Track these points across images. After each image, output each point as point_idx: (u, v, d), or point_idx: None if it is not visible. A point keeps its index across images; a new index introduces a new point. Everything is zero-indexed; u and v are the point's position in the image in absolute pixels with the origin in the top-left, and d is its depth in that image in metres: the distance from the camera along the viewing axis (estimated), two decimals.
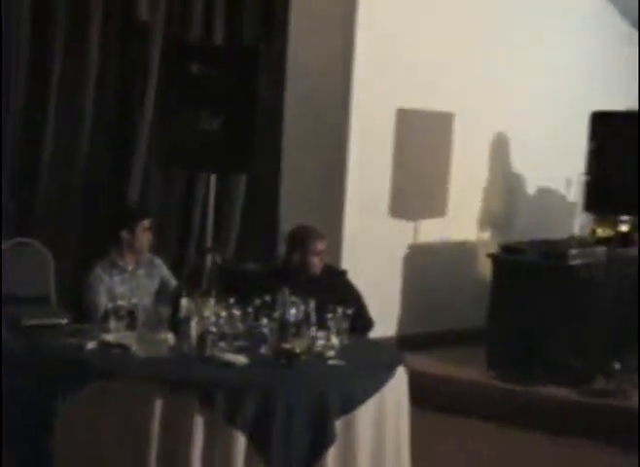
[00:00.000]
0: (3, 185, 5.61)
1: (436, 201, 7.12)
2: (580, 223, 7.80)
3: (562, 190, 7.81)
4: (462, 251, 7.30)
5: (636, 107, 7.57)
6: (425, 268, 7.01)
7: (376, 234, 6.68)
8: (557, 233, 7.09)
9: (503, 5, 7.30)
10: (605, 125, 6.27)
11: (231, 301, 4.10)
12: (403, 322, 6.97)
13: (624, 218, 6.90)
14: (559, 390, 6.01)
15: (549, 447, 5.52)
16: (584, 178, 6.66)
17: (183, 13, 6.37)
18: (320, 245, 4.93)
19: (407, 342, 6.56)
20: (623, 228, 6.93)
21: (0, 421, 3.59)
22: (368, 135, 6.60)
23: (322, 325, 4.07)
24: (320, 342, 3.99)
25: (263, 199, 6.78)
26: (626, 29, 8.32)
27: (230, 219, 6.60)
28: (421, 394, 5.40)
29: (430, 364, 6.46)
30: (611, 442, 5.53)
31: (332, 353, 3.93)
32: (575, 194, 7.51)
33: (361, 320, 4.78)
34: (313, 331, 4.02)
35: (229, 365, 3.72)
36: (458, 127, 7.11)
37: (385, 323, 6.50)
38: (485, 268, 6.73)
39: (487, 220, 7.49)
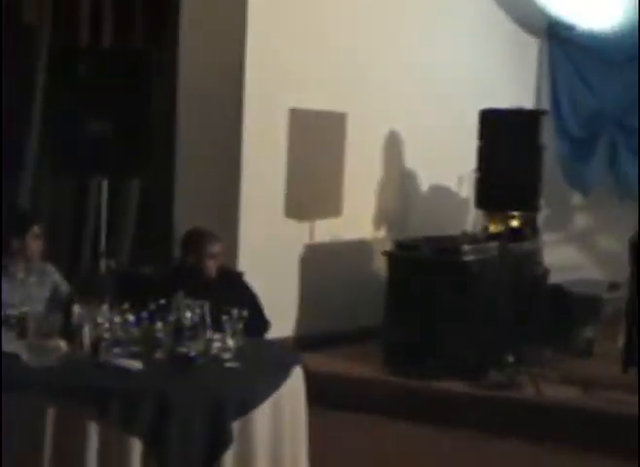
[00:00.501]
0: None
1: (331, 201, 7.15)
2: (472, 219, 7.94)
3: (455, 187, 7.94)
4: (358, 250, 7.36)
5: (524, 105, 7.77)
6: (321, 267, 7.04)
7: (272, 236, 6.69)
8: (451, 230, 7.21)
9: (392, 5, 7.38)
10: (493, 123, 6.39)
11: (126, 306, 4.06)
12: (300, 322, 6.99)
13: (515, 213, 7.06)
14: (454, 384, 6.12)
15: (444, 440, 5.61)
16: (474, 175, 6.78)
17: (70, 16, 6.28)
18: (215, 248, 4.92)
19: (304, 342, 6.60)
20: (514, 223, 7.09)
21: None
22: (261, 137, 6.60)
23: (218, 328, 4.06)
24: (216, 345, 3.98)
25: (157, 203, 6.72)
26: (512, 28, 8.50)
27: (124, 223, 6.53)
28: (319, 393, 5.44)
29: (327, 363, 6.50)
30: (505, 433, 5.66)
31: (228, 355, 3.92)
32: (467, 191, 7.63)
33: (257, 322, 4.79)
34: (209, 334, 4.01)
35: (123, 371, 3.68)
36: (351, 127, 7.16)
37: (283, 324, 6.54)
38: (382, 266, 6.82)
39: (382, 218, 7.57)
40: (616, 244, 7.35)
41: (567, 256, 8.45)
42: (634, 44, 8.01)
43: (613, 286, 7.35)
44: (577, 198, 8.79)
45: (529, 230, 7.28)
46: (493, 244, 6.74)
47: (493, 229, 7.11)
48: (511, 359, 6.20)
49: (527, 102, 8.38)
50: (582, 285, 7.43)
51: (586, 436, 5.58)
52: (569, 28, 8.19)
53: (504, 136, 6.38)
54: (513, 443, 5.57)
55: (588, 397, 5.99)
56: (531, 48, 8.70)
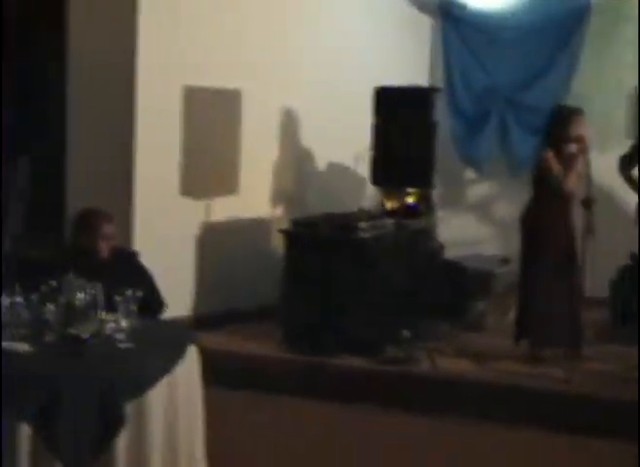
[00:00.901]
0: None
1: (227, 179, 7.11)
2: (369, 197, 7.99)
3: (352, 164, 7.98)
4: (255, 228, 7.35)
5: (419, 83, 7.85)
6: (219, 246, 7.01)
7: (168, 214, 6.62)
8: (349, 208, 7.25)
9: None
10: (387, 101, 6.45)
11: (15, 288, 3.98)
12: (198, 301, 6.96)
13: (410, 190, 7.14)
14: (353, 360, 6.18)
15: (344, 416, 5.66)
16: (370, 153, 6.83)
17: None
18: (108, 228, 4.85)
19: (203, 322, 6.58)
20: (410, 199, 7.17)
21: None
22: (155, 115, 6.51)
23: (112, 309, 4.01)
24: (109, 326, 3.94)
25: (48, 183, 6.60)
26: (405, 6, 8.56)
27: (14, 204, 6.39)
28: (218, 372, 5.44)
29: (227, 342, 6.50)
30: (403, 407, 5.74)
31: (121, 336, 3.88)
32: (364, 168, 7.67)
33: (152, 302, 4.75)
34: (102, 315, 3.96)
35: (12, 354, 3.61)
36: (246, 104, 7.12)
37: (181, 303, 6.51)
38: (279, 244, 6.82)
39: (279, 197, 7.56)
40: (508, 219, 7.47)
41: (462, 231, 8.58)
42: (524, 22, 8.17)
43: (504, 260, 7.51)
44: (470, 174, 8.92)
45: (424, 206, 7.37)
46: (389, 221, 6.81)
47: (389, 206, 7.18)
48: (407, 334, 6.29)
49: (421, 80, 8.44)
50: (475, 260, 7.55)
51: (482, 407, 5.70)
52: (460, 7, 8.28)
53: (397, 114, 6.44)
54: (410, 416, 5.65)
55: (482, 369, 6.12)
56: (424, 26, 8.77)
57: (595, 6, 8.25)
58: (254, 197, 7.28)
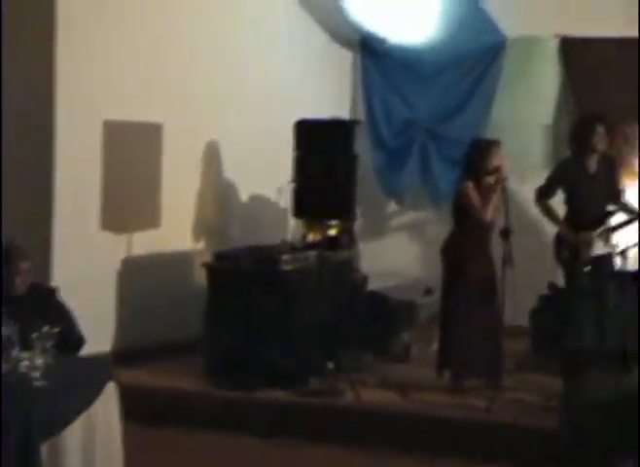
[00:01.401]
0: None
1: (148, 213, 7.06)
2: (292, 229, 8.00)
3: (274, 197, 7.99)
4: (178, 262, 7.29)
5: (341, 115, 7.92)
6: (140, 281, 6.94)
7: (89, 249, 6.54)
8: (271, 240, 7.25)
9: (207, 20, 7.38)
10: (308, 133, 6.47)
11: None
12: (119, 336, 6.86)
13: (332, 222, 7.18)
14: (276, 393, 6.15)
15: (269, 450, 5.63)
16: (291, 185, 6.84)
17: None
18: (23, 265, 4.76)
19: (124, 357, 6.48)
20: (332, 232, 7.20)
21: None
22: (75, 149, 6.45)
23: (29, 346, 3.94)
24: (24, 364, 3.86)
25: None
26: (327, 41, 8.64)
27: None
28: (140, 409, 5.38)
29: (148, 377, 6.42)
30: (327, 439, 5.73)
31: (37, 374, 3.81)
32: (286, 200, 7.69)
33: (71, 338, 4.67)
34: (16, 353, 3.88)
35: None
36: (167, 138, 7.10)
37: (101, 338, 6.42)
38: (202, 277, 6.78)
39: (201, 230, 7.53)
40: (431, 249, 7.53)
41: (385, 262, 8.63)
42: (443, 56, 8.30)
43: (428, 291, 7.55)
44: (393, 206, 8.99)
45: (347, 238, 7.41)
46: (311, 253, 6.82)
47: (312, 238, 7.20)
48: (331, 366, 6.29)
49: (344, 113, 8.54)
50: (398, 291, 7.61)
51: (405, 438, 5.72)
52: (380, 41, 8.38)
53: (319, 146, 6.47)
54: (336, 448, 5.64)
55: (406, 400, 6.14)
56: (346, 60, 8.86)
57: (510, 41, 8.44)
58: (176, 231, 7.24)
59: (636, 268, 6.83)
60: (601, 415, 4.31)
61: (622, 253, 6.33)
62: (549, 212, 7.08)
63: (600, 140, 6.91)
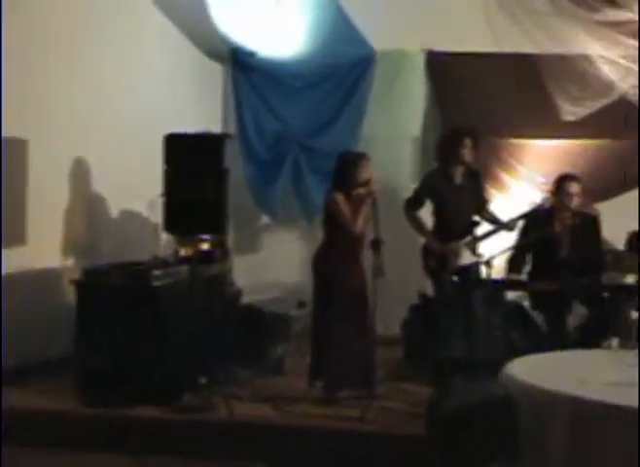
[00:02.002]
0: None
1: (14, 230, 6.89)
2: (164, 244, 7.93)
3: (145, 212, 7.91)
4: (46, 280, 7.13)
5: (212, 129, 7.90)
6: (8, 299, 6.75)
7: None
8: (143, 256, 7.16)
9: (77, 35, 7.27)
10: (178, 148, 6.42)
11: None
12: None
13: (205, 237, 7.14)
14: (149, 410, 6.07)
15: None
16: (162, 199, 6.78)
17: None
18: None
19: None
20: (204, 246, 7.17)
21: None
22: None
23: None
24: None
25: None
26: (196, 55, 8.62)
27: None
28: (11, 431, 5.25)
29: (19, 398, 6.25)
30: (203, 455, 5.69)
31: None
32: (157, 215, 7.62)
33: None
34: None
35: None
36: (33, 154, 6.95)
37: None
38: (72, 294, 6.65)
39: (70, 246, 7.39)
40: (304, 262, 7.56)
41: (259, 276, 8.65)
42: (313, 69, 8.38)
43: (301, 303, 7.61)
44: (267, 219, 9.01)
45: (220, 252, 7.38)
46: (183, 268, 6.78)
47: (184, 252, 7.14)
48: (204, 381, 6.25)
49: (215, 127, 8.52)
50: (273, 304, 7.63)
51: (280, 451, 5.72)
52: (250, 54, 8.39)
53: (188, 160, 6.43)
54: (210, 463, 5.61)
55: (279, 413, 6.15)
56: (217, 74, 8.86)
57: (379, 55, 8.59)
58: (43, 248, 7.08)
59: (501, 276, 7.03)
60: (465, 423, 4.40)
61: (488, 262, 6.49)
62: (416, 223, 7.24)
63: (467, 153, 7.12)
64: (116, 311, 6.30)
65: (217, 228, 6.55)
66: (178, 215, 6.43)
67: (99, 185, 7.61)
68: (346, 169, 6.44)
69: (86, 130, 7.30)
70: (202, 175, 6.37)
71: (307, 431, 5.85)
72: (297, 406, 6.24)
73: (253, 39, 8.26)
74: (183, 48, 8.47)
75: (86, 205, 7.57)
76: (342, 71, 8.57)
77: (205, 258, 7.07)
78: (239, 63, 8.50)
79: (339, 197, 6.39)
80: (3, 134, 6.58)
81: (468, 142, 7.13)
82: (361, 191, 6.40)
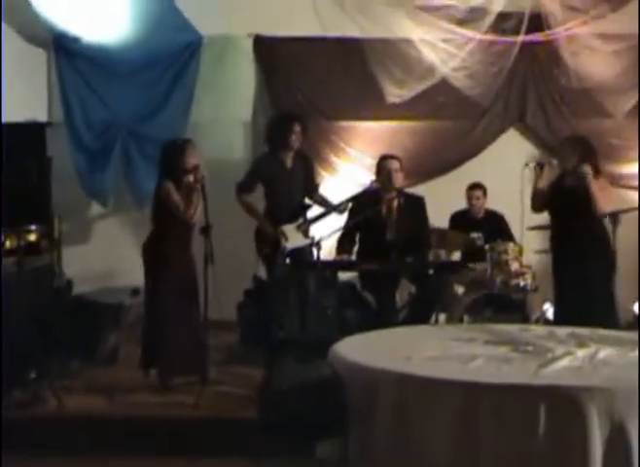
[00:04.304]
0: None
1: None
2: None
3: None
4: None
5: (38, 118, 7.71)
6: None
7: None
8: None
9: None
10: (7, 137, 6.25)
11: None
12: None
13: (31, 227, 6.96)
14: None
15: None
16: None
17: None
18: None
19: None
20: (30, 237, 6.99)
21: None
22: None
23: None
24: None
25: None
26: (18, 40, 8.36)
27: None
28: None
29: None
30: (38, 452, 5.54)
31: None
32: None
33: None
34: None
35: None
36: None
37: None
38: None
39: None
40: (137, 250, 7.47)
41: (91, 265, 8.49)
42: (139, 55, 8.26)
43: (135, 291, 7.52)
44: (98, 208, 8.85)
45: (47, 243, 7.21)
46: (10, 260, 6.58)
47: (9, 244, 6.94)
48: (33, 375, 6.11)
49: (41, 115, 8.29)
50: (105, 293, 7.52)
51: (116, 442, 5.63)
52: (74, 40, 8.21)
53: (10, 150, 6.27)
54: (42, 461, 5.47)
55: (113, 404, 6.08)
56: (41, 61, 8.60)
57: (206, 40, 8.55)
58: None
59: (332, 257, 7.15)
60: (293, 403, 4.47)
61: (318, 244, 6.58)
62: (248, 207, 7.28)
63: (295, 139, 7.20)
64: None
65: (43, 218, 6.43)
66: (2, 206, 6.26)
67: None
68: (172, 157, 6.41)
69: None
70: (24, 165, 6.23)
71: (141, 420, 5.80)
72: (131, 395, 6.18)
73: (76, 24, 8.09)
74: (4, 34, 8.18)
75: None
76: (169, 57, 8.47)
77: (32, 249, 6.90)
78: (63, 49, 8.32)
79: (169, 185, 6.35)
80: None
81: (296, 127, 7.21)
82: (190, 177, 6.37)
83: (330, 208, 7.33)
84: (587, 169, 6.53)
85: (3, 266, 6.47)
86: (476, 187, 8.08)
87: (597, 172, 6.66)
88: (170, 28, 8.32)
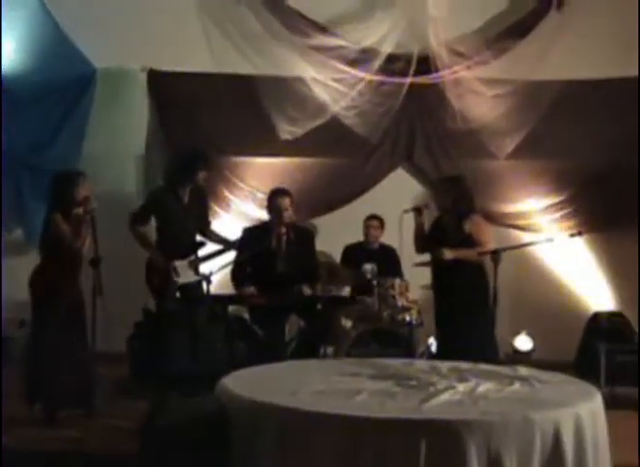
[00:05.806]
0: None
1: None
2: None
3: None
4: None
5: None
6: None
7: None
8: None
9: None
10: None
11: None
12: None
13: None
14: None
15: None
16: None
17: None
18: None
19: None
20: None
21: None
22: None
23: None
24: None
25: None
26: None
27: None
28: None
29: None
30: None
31: None
32: None
33: None
34: None
35: None
36: None
37: None
38: None
39: None
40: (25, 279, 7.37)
41: None
42: (32, 85, 8.18)
43: (22, 323, 7.44)
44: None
45: None
46: None
47: None
48: None
49: None
50: None
51: None
52: None
53: None
54: None
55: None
56: None
57: (100, 72, 8.55)
58: None
59: (222, 291, 7.21)
60: (176, 438, 4.48)
61: (207, 278, 6.62)
62: (141, 238, 7.24)
63: (202, 177, 7.20)
64: None
65: None
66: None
67: None
68: (63, 188, 6.40)
69: None
70: None
71: (27, 455, 5.72)
72: (16, 428, 6.09)
73: None
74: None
75: None
76: (62, 88, 8.39)
77: None
78: None
79: (58, 218, 6.34)
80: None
81: (204, 167, 7.21)
82: (80, 209, 6.36)
83: (223, 248, 7.33)
84: (462, 209, 6.85)
85: None
86: (373, 218, 8.29)
87: (471, 211, 6.95)
88: (63, 60, 8.26)
